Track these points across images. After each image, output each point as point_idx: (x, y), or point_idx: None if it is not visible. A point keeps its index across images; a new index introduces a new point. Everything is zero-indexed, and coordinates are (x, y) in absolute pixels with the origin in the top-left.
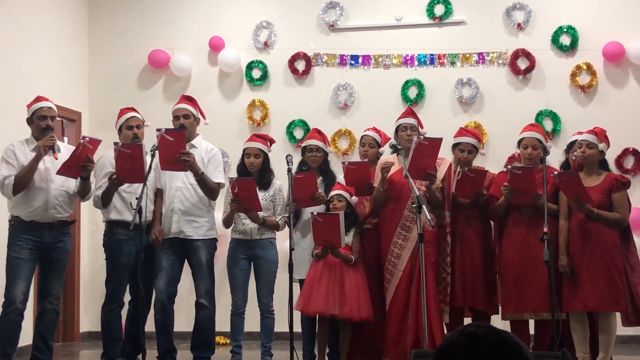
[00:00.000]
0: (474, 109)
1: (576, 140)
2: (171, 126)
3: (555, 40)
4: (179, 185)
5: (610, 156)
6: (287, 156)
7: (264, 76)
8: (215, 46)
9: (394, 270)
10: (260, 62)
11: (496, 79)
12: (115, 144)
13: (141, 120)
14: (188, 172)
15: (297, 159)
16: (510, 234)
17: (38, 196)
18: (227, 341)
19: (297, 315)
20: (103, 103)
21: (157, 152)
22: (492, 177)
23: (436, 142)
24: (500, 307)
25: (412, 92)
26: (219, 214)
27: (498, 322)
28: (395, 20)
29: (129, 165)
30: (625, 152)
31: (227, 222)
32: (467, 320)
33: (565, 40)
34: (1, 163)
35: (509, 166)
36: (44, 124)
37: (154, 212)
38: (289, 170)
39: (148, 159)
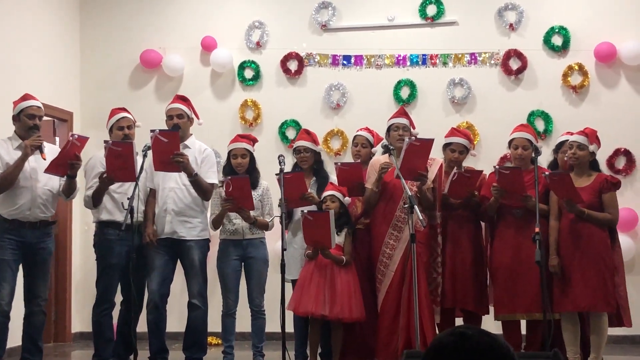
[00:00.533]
0: (466, 109)
1: (565, 140)
2: (163, 126)
3: (547, 40)
4: (173, 186)
5: (602, 156)
6: (279, 156)
7: (256, 76)
8: (208, 46)
9: (386, 270)
10: (253, 62)
11: (488, 80)
12: (106, 142)
13: (132, 120)
14: (181, 172)
15: (290, 159)
16: (501, 235)
17: (23, 194)
18: (219, 341)
19: (289, 315)
20: (95, 103)
21: (149, 152)
22: (482, 177)
23: (427, 143)
24: (491, 308)
25: (405, 93)
26: (207, 215)
27: (490, 322)
28: (388, 20)
29: (120, 163)
30: (617, 152)
31: (216, 224)
32: (459, 321)
33: (557, 40)
34: None
35: (497, 166)
36: (32, 122)
37: (146, 212)
38: (281, 170)
39: (139, 159)
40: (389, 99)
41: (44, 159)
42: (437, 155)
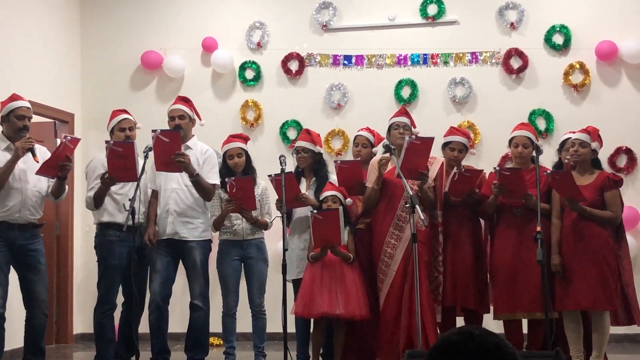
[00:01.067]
0: (467, 108)
1: (568, 139)
2: (164, 127)
3: (548, 39)
4: (174, 187)
5: (604, 155)
6: (280, 157)
7: (257, 77)
8: (208, 47)
9: (387, 270)
10: (254, 62)
11: (489, 79)
12: (107, 142)
13: (133, 122)
14: (183, 173)
15: (291, 159)
16: (502, 234)
17: (13, 196)
18: (221, 342)
19: (290, 315)
20: (96, 104)
21: (150, 153)
22: (482, 176)
23: (428, 142)
24: (491, 307)
25: (406, 92)
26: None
27: (490, 322)
28: (389, 20)
29: (121, 163)
30: (619, 150)
31: (218, 225)
32: (459, 320)
33: (558, 39)
34: None
35: (497, 167)
36: (22, 123)
37: (148, 213)
38: (282, 170)
39: (140, 160)
40: (390, 99)
41: (37, 162)
42: (437, 155)
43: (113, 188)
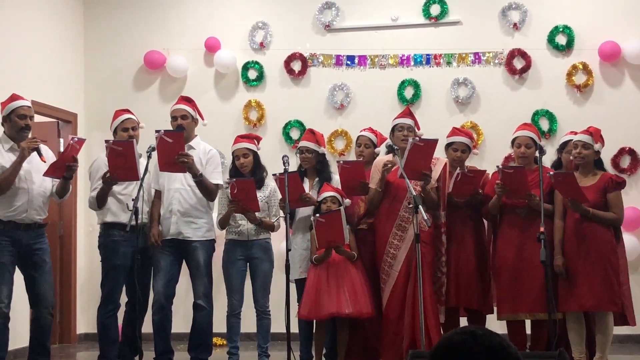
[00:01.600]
0: (470, 109)
1: (569, 140)
2: (168, 127)
3: (551, 39)
4: (178, 187)
5: (607, 156)
6: (283, 157)
7: (260, 77)
8: (211, 47)
9: (390, 270)
10: (256, 62)
11: (492, 79)
12: (107, 141)
13: (136, 122)
14: (186, 173)
15: (294, 159)
16: (505, 234)
17: (20, 196)
18: (224, 342)
19: (294, 315)
20: (99, 104)
21: (153, 153)
22: (486, 177)
23: (431, 144)
24: (495, 307)
25: (408, 93)
26: (214, 215)
27: (494, 322)
28: (391, 20)
29: (121, 162)
30: (622, 151)
31: (223, 224)
32: (463, 320)
33: (561, 39)
34: None
35: (500, 166)
36: (24, 123)
37: (151, 213)
38: (285, 170)
39: (144, 161)
40: (392, 99)
41: (44, 161)
42: (440, 155)
43: (117, 188)
